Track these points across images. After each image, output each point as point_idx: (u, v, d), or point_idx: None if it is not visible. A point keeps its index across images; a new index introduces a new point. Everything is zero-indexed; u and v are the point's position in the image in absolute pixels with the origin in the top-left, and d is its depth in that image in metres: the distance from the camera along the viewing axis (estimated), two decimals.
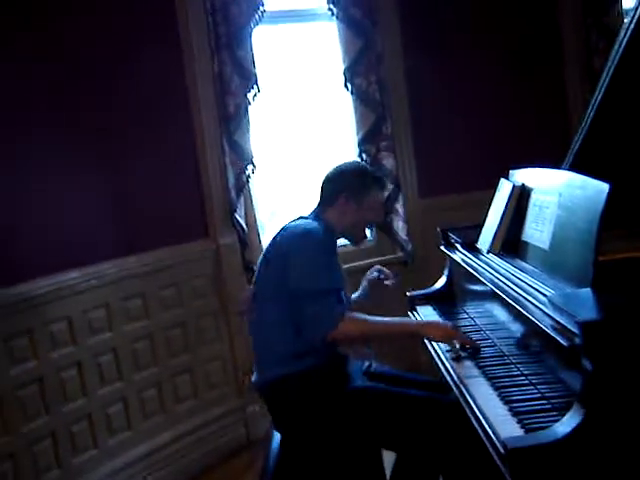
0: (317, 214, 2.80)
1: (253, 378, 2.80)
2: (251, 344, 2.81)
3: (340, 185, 2.76)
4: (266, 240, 4.16)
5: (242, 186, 3.98)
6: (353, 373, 2.73)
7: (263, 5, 3.93)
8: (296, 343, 2.60)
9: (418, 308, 3.19)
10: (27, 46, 3.27)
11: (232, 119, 3.91)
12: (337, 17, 4.19)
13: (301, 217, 2.82)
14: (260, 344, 2.76)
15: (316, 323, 2.54)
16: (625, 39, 2.43)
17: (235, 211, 3.95)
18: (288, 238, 2.69)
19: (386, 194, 2.81)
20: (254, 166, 3.99)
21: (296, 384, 2.61)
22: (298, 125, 4.64)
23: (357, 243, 2.89)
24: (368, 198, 2.76)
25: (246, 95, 3.93)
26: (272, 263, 2.71)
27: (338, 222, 2.76)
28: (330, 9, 4.17)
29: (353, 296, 3.05)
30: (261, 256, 2.80)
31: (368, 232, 2.87)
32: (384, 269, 3.07)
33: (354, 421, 2.54)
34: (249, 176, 4.00)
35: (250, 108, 3.97)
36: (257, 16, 3.92)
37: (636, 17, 2.36)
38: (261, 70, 3.98)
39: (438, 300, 3.20)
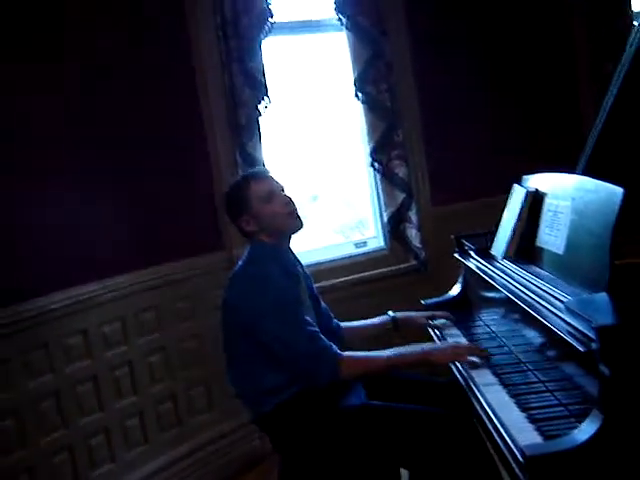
0: (251, 246, 2.72)
1: (249, 416, 2.76)
2: (232, 390, 2.77)
3: (231, 214, 2.74)
4: None
5: None
6: (352, 385, 2.69)
7: (272, 16, 3.94)
8: (278, 377, 2.57)
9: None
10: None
11: (244, 130, 3.91)
12: (346, 27, 4.20)
13: (244, 259, 2.73)
14: (241, 388, 2.72)
15: (316, 377, 2.52)
16: (635, 42, 2.43)
17: None
18: (242, 294, 2.61)
19: (262, 181, 2.66)
20: None
21: (291, 412, 2.58)
22: (309, 136, 4.65)
23: (298, 228, 2.71)
24: (251, 201, 2.67)
25: (257, 106, 3.94)
26: (234, 320, 2.64)
27: (265, 234, 2.68)
28: (339, 19, 4.18)
29: (369, 322, 3.06)
30: (222, 303, 2.72)
31: (291, 213, 2.68)
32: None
33: (353, 440, 2.51)
34: None
35: (261, 119, 3.97)
36: (267, 27, 3.93)
37: None
38: (272, 81, 3.99)
39: (453, 308, 3.18)
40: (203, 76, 3.89)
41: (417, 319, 3.07)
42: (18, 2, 3.23)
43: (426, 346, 2.64)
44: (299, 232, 2.74)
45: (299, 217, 2.71)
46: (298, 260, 2.88)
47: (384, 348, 2.61)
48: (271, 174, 2.77)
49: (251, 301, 2.55)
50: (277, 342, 2.52)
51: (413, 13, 4.40)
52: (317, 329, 2.58)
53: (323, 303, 3.01)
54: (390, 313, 3.06)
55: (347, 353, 2.56)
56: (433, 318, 3.06)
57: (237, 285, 2.66)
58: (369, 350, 2.63)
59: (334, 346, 2.55)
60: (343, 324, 3.05)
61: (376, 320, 3.08)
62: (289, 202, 2.69)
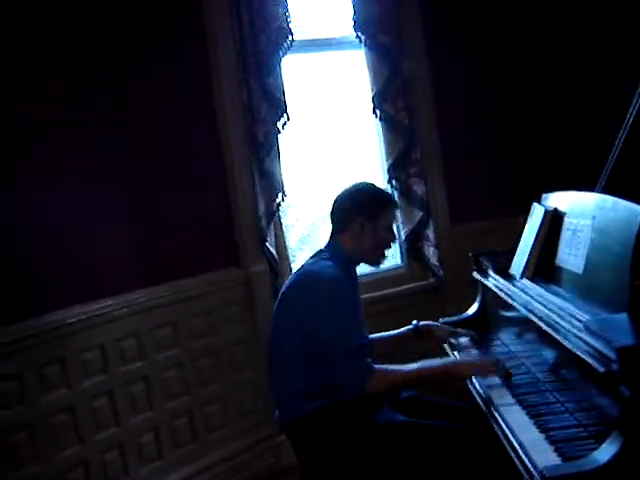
0: (333, 245, 2.78)
1: (275, 415, 2.77)
2: (269, 382, 2.79)
3: (353, 209, 2.74)
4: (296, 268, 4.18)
5: (272, 214, 3.99)
6: (381, 402, 2.69)
7: (292, 34, 3.95)
8: (314, 382, 2.59)
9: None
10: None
11: (262, 147, 3.92)
12: (365, 44, 4.21)
13: (318, 253, 2.80)
14: (277, 383, 2.74)
15: (347, 383, 2.52)
16: None
17: (266, 239, 3.94)
18: (307, 285, 2.68)
19: (397, 212, 2.78)
20: (284, 194, 3.99)
21: (318, 421, 2.58)
22: (327, 153, 4.65)
23: (377, 264, 2.86)
24: (382, 218, 2.74)
25: (275, 123, 3.94)
26: (290, 307, 2.70)
27: (355, 247, 2.74)
28: (358, 36, 4.19)
29: (393, 332, 3.08)
30: (279, 295, 2.79)
31: (387, 252, 2.82)
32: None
33: (380, 458, 2.51)
34: (279, 204, 4.00)
35: (280, 136, 3.98)
36: (286, 45, 3.94)
37: None
38: (290, 98, 4.00)
39: (471, 327, 3.17)
40: (221, 92, 3.90)
41: (439, 331, 3.07)
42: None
43: (450, 361, 2.71)
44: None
45: (384, 259, 2.84)
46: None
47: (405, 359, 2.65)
48: None
49: (314, 295, 2.62)
50: (324, 340, 2.55)
51: (432, 32, 4.41)
52: (365, 341, 2.65)
53: None
54: (414, 322, 3.08)
55: (379, 367, 2.57)
56: (456, 334, 3.06)
57: (304, 277, 2.72)
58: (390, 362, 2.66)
59: (370, 362, 2.57)
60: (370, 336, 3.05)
61: (400, 331, 3.10)
62: (392, 245, 2.81)
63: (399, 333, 3.09)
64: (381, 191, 2.89)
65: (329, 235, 2.83)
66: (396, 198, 4.38)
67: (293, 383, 2.64)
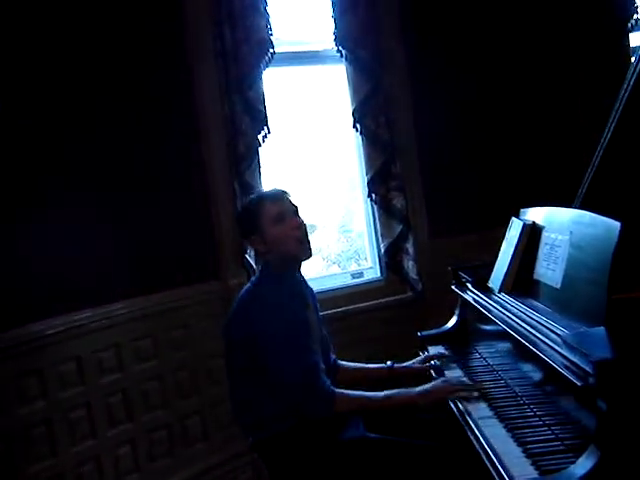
0: (261, 266, 2.78)
1: (249, 441, 2.75)
2: (233, 408, 2.78)
3: (243, 233, 2.80)
4: None
5: None
6: (350, 419, 2.68)
7: (273, 47, 3.96)
8: (277, 405, 2.56)
9: (429, 349, 3.17)
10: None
11: (243, 159, 3.91)
12: (346, 59, 4.23)
13: (254, 278, 2.80)
14: (241, 411, 2.72)
15: (309, 410, 2.52)
16: (633, 77, 2.45)
17: (245, 252, 3.94)
18: (245, 315, 2.62)
19: (274, 203, 2.67)
20: None
21: (287, 441, 2.57)
22: (308, 166, 4.67)
23: (307, 255, 2.70)
24: (263, 218, 2.66)
25: (256, 136, 3.94)
26: (235, 338, 2.65)
27: (274, 255, 2.67)
28: (339, 51, 4.21)
29: (366, 366, 3.07)
30: (224, 326, 2.73)
31: (302, 237, 2.67)
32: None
33: (350, 474, 2.50)
34: None
35: (260, 149, 3.98)
36: (267, 58, 3.95)
37: None
38: (271, 112, 4.00)
39: (449, 340, 3.18)
40: (202, 104, 3.90)
41: (415, 368, 3.04)
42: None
43: (415, 390, 2.62)
44: (306, 259, 2.72)
45: (308, 244, 2.68)
46: (305, 282, 2.86)
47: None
48: (287, 196, 2.75)
49: (256, 322, 2.54)
50: (275, 367, 2.52)
51: (413, 47, 4.43)
52: (318, 360, 2.59)
53: (324, 331, 2.96)
54: (389, 362, 3.04)
55: (340, 392, 2.56)
56: (429, 361, 3.04)
57: (243, 305, 2.66)
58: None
59: (328, 383, 2.55)
60: (340, 362, 3.03)
61: (373, 366, 3.08)
62: (299, 226, 2.66)
63: (373, 368, 3.07)
64: (249, 200, 2.85)
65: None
66: (374, 211, 4.41)
67: (257, 410, 2.61)
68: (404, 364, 3.06)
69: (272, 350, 2.51)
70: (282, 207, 2.68)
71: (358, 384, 2.86)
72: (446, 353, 3.05)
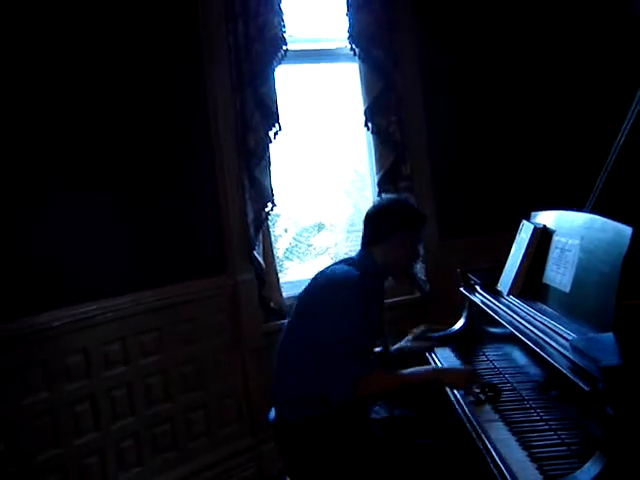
0: (363, 254, 2.82)
1: (270, 415, 2.77)
2: (273, 379, 2.81)
3: (394, 222, 2.78)
4: (282, 278, 4.17)
5: (261, 223, 3.98)
6: (374, 417, 2.72)
7: (286, 44, 3.96)
8: (316, 387, 2.59)
9: (436, 350, 3.16)
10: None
11: (253, 156, 3.91)
12: (359, 57, 4.22)
13: (345, 259, 2.87)
14: (281, 383, 2.75)
15: (337, 385, 2.54)
16: None
17: (254, 248, 3.93)
18: (321, 286, 2.75)
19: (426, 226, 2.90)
20: (274, 204, 3.98)
21: (313, 428, 2.60)
22: (317, 164, 4.66)
23: (402, 278, 2.91)
24: (417, 233, 2.81)
25: (267, 133, 3.94)
26: (303, 307, 2.77)
27: (389, 259, 2.78)
28: (352, 49, 4.20)
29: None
30: (297, 298, 2.84)
31: (410, 268, 2.92)
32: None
33: (371, 470, 2.53)
34: (268, 213, 3.99)
35: (271, 146, 3.97)
36: (280, 54, 3.94)
37: None
38: (283, 108, 4.00)
39: (456, 342, 3.17)
40: (214, 99, 3.89)
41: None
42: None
43: (440, 367, 2.78)
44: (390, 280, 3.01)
45: (406, 274, 2.88)
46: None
47: None
48: None
49: (327, 293, 2.68)
50: (326, 335, 2.58)
51: (426, 47, 4.42)
52: (366, 343, 2.70)
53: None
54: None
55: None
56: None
57: (322, 277, 2.79)
58: None
59: (369, 364, 2.67)
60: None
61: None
62: (419, 259, 2.85)
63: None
64: (416, 207, 2.99)
65: (361, 245, 2.87)
66: None
67: (296, 386, 2.66)
68: (435, 335, 3.21)
69: (332, 317, 2.61)
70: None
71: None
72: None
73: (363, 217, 2.90)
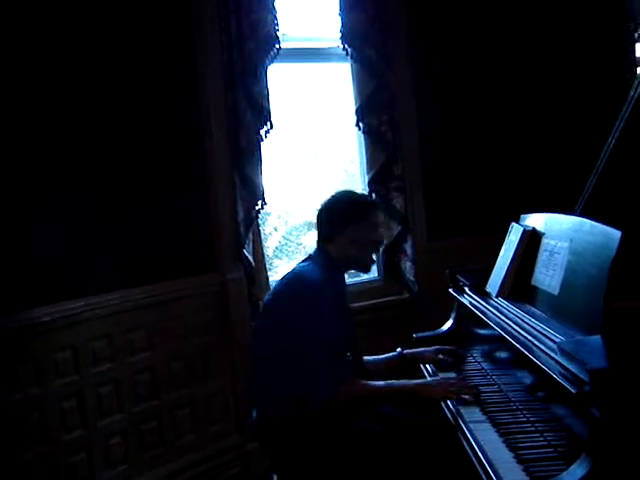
0: (319, 252, 2.82)
1: (253, 416, 2.77)
2: (251, 383, 2.83)
3: (337, 218, 2.78)
4: (272, 276, 4.17)
5: (251, 221, 3.97)
6: (360, 414, 2.72)
7: (279, 42, 3.96)
8: (295, 386, 2.60)
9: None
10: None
11: (244, 153, 3.91)
12: (352, 57, 4.22)
13: (306, 258, 2.86)
14: (259, 385, 2.76)
15: (319, 385, 2.57)
16: (638, 88, 2.45)
17: (244, 246, 3.93)
18: (292, 287, 2.74)
19: (381, 214, 2.86)
20: (264, 202, 3.98)
21: (296, 428, 2.60)
22: (309, 163, 4.66)
23: (367, 269, 2.90)
24: (366, 223, 2.78)
25: (259, 131, 3.93)
26: (273, 313, 2.77)
27: (344, 253, 2.78)
28: (345, 49, 4.20)
29: (379, 357, 3.10)
30: (266, 297, 2.86)
31: (374, 255, 2.87)
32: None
33: (353, 465, 2.53)
34: (259, 212, 3.99)
35: (262, 144, 3.97)
36: (272, 53, 3.94)
37: None
38: (275, 107, 3.99)
39: (444, 343, 3.17)
40: (206, 96, 3.89)
41: (426, 357, 3.07)
42: None
43: (417, 381, 2.72)
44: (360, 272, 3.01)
45: (373, 264, 2.90)
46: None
47: None
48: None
49: (297, 297, 2.68)
50: (303, 340, 2.59)
51: (419, 47, 4.43)
52: (341, 348, 2.71)
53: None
54: (399, 349, 3.09)
55: (350, 380, 2.65)
56: (441, 353, 3.06)
57: (290, 280, 2.78)
58: None
59: (346, 370, 2.67)
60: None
61: (385, 356, 3.11)
62: (380, 247, 2.88)
63: (388, 358, 3.10)
64: (361, 196, 2.99)
65: (316, 242, 2.87)
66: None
67: (276, 386, 2.66)
68: (413, 350, 3.11)
69: (307, 321, 2.61)
70: (382, 219, 2.91)
71: (383, 375, 2.94)
72: (461, 351, 3.05)
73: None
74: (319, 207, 2.88)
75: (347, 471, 2.53)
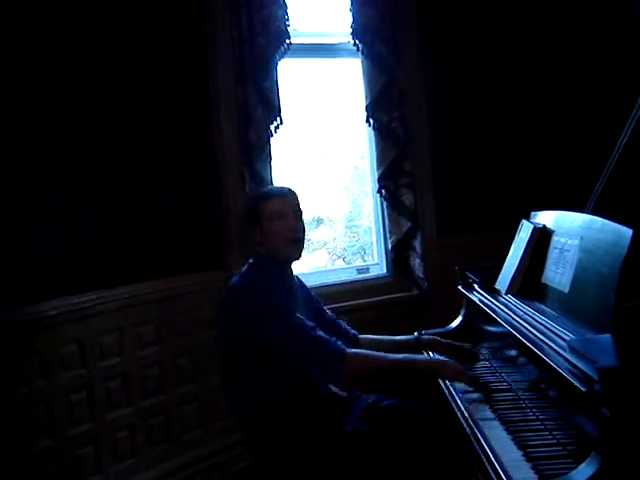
0: (256, 257, 2.78)
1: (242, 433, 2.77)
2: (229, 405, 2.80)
3: (245, 221, 2.81)
4: None
5: None
6: (352, 411, 2.71)
7: (289, 38, 3.95)
8: (277, 391, 2.59)
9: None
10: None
11: (254, 149, 3.90)
12: (362, 53, 4.21)
13: (240, 273, 2.79)
14: (239, 401, 2.73)
15: (320, 369, 2.56)
16: None
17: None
18: (232, 302, 2.68)
19: (278, 200, 2.76)
20: None
21: (285, 430, 2.59)
22: (318, 159, 4.66)
23: (297, 255, 2.80)
24: (263, 215, 2.72)
25: (269, 126, 3.93)
26: (228, 328, 2.70)
27: (267, 251, 2.73)
28: (355, 45, 4.19)
29: (391, 338, 3.07)
30: (217, 315, 2.79)
31: (298, 239, 2.77)
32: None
33: (346, 467, 2.51)
34: None
35: (272, 140, 3.97)
36: (283, 48, 3.94)
37: None
38: (285, 103, 3.99)
39: (454, 340, 3.16)
40: (217, 92, 3.89)
41: (441, 345, 3.04)
42: None
43: (435, 359, 2.73)
44: (293, 261, 2.81)
45: (299, 246, 2.76)
46: (296, 277, 2.93)
47: None
48: (293, 196, 2.80)
49: (245, 310, 2.59)
50: (275, 342, 2.54)
51: (430, 43, 4.42)
52: (314, 325, 2.60)
53: (331, 314, 3.06)
54: (416, 333, 3.08)
55: (353, 351, 2.60)
56: (456, 349, 3.02)
57: (231, 296, 2.70)
58: None
59: (339, 341, 2.58)
60: (362, 336, 3.06)
61: (399, 338, 3.09)
62: (293, 228, 2.72)
63: (401, 340, 3.08)
64: (254, 194, 2.99)
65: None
66: (383, 207, 4.39)
67: (257, 396, 2.63)
68: (432, 336, 3.08)
69: (266, 330, 2.55)
70: (284, 206, 2.74)
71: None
72: (472, 348, 3.01)
73: None
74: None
75: (337, 476, 2.51)
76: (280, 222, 2.71)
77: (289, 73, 4.18)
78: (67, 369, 3.31)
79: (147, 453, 3.65)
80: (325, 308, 3.07)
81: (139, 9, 3.63)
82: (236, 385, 2.71)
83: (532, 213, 2.87)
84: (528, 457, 1.95)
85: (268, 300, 2.59)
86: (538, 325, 2.23)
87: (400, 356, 2.64)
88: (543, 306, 2.41)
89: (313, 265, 4.42)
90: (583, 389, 1.72)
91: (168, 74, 3.73)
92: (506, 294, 2.68)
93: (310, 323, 2.60)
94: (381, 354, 2.63)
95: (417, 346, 3.03)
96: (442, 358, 2.83)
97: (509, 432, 2.15)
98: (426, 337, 3.06)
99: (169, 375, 3.75)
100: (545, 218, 2.71)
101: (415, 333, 3.08)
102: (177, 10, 3.77)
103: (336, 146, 4.72)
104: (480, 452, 2.09)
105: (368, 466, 2.49)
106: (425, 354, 3.02)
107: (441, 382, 2.68)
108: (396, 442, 2.54)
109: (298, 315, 2.61)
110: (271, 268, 2.73)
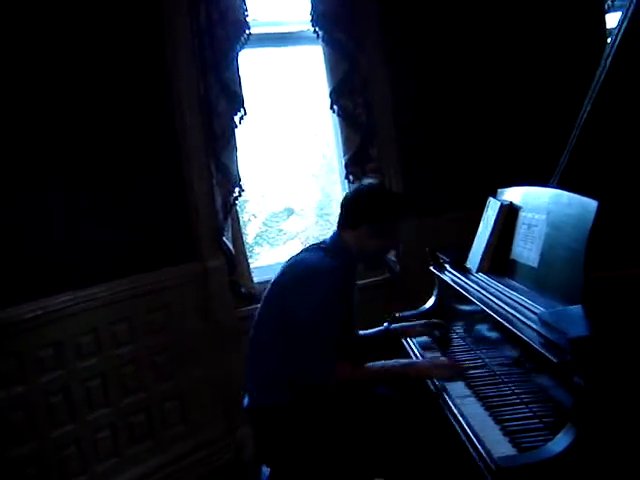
0: (337, 238, 2.78)
1: (244, 401, 2.77)
2: (246, 365, 2.79)
3: (366, 211, 2.73)
4: (253, 263, 4.17)
5: (229, 209, 3.96)
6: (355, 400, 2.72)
7: (249, 28, 3.93)
8: (290, 372, 2.60)
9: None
10: None
11: (219, 141, 3.89)
12: (322, 40, 4.20)
13: (318, 244, 2.83)
14: (257, 368, 2.74)
15: (312, 370, 2.56)
16: (609, 58, 2.46)
17: (222, 234, 3.92)
18: (296, 273, 2.71)
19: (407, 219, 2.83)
20: (241, 189, 3.97)
21: (287, 415, 2.60)
22: (285, 148, 4.65)
23: (375, 266, 2.86)
24: (392, 225, 2.75)
25: (233, 117, 3.92)
26: (276, 294, 2.73)
27: (357, 246, 2.74)
28: (315, 32, 4.18)
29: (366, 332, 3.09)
30: (272, 280, 2.79)
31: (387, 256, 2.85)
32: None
33: (343, 454, 2.54)
34: (236, 198, 3.98)
35: (237, 131, 3.95)
36: (243, 39, 3.92)
37: (619, 35, 2.39)
38: (247, 93, 3.97)
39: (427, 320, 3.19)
40: (179, 85, 3.86)
41: (412, 331, 3.09)
42: None
43: (407, 362, 2.73)
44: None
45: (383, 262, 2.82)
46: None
47: None
48: None
49: (303, 280, 2.65)
50: (300, 321, 2.56)
51: (391, 28, 4.41)
52: (334, 334, 2.62)
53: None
54: (385, 324, 3.11)
55: (342, 362, 2.61)
56: (433, 326, 3.08)
57: (298, 263, 2.76)
58: None
59: (334, 357, 2.60)
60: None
61: (372, 331, 3.12)
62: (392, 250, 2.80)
63: (374, 332, 3.11)
64: (395, 198, 2.89)
65: (336, 226, 2.82)
66: None
67: (271, 372, 2.66)
68: (400, 325, 3.12)
69: (307, 304, 2.58)
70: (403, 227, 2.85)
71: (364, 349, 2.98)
72: (445, 323, 3.06)
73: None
74: (346, 194, 2.87)
75: (339, 458, 2.54)
76: (396, 242, 2.92)
77: (252, 63, 4.16)
78: (46, 371, 3.29)
79: (130, 451, 3.64)
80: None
81: (98, 3, 3.59)
82: (259, 357, 2.73)
83: (499, 190, 2.89)
84: (506, 431, 1.98)
85: (330, 290, 2.60)
86: (509, 301, 2.25)
87: (379, 365, 2.65)
88: (514, 282, 2.44)
89: (286, 256, 4.42)
90: (555, 360, 1.75)
91: (128, 70, 3.69)
92: (477, 272, 2.70)
93: (334, 335, 2.61)
94: (372, 369, 2.65)
95: (388, 338, 3.07)
96: (415, 360, 2.85)
97: (486, 408, 2.18)
98: (395, 326, 3.10)
99: (148, 372, 3.73)
100: (512, 194, 2.73)
101: (385, 324, 3.11)
102: (136, 3, 3.73)
103: (303, 135, 4.71)
104: (458, 428, 2.12)
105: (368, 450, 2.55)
106: (405, 342, 3.04)
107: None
108: (389, 428, 2.58)
109: (336, 324, 2.62)
110: (349, 259, 2.75)
